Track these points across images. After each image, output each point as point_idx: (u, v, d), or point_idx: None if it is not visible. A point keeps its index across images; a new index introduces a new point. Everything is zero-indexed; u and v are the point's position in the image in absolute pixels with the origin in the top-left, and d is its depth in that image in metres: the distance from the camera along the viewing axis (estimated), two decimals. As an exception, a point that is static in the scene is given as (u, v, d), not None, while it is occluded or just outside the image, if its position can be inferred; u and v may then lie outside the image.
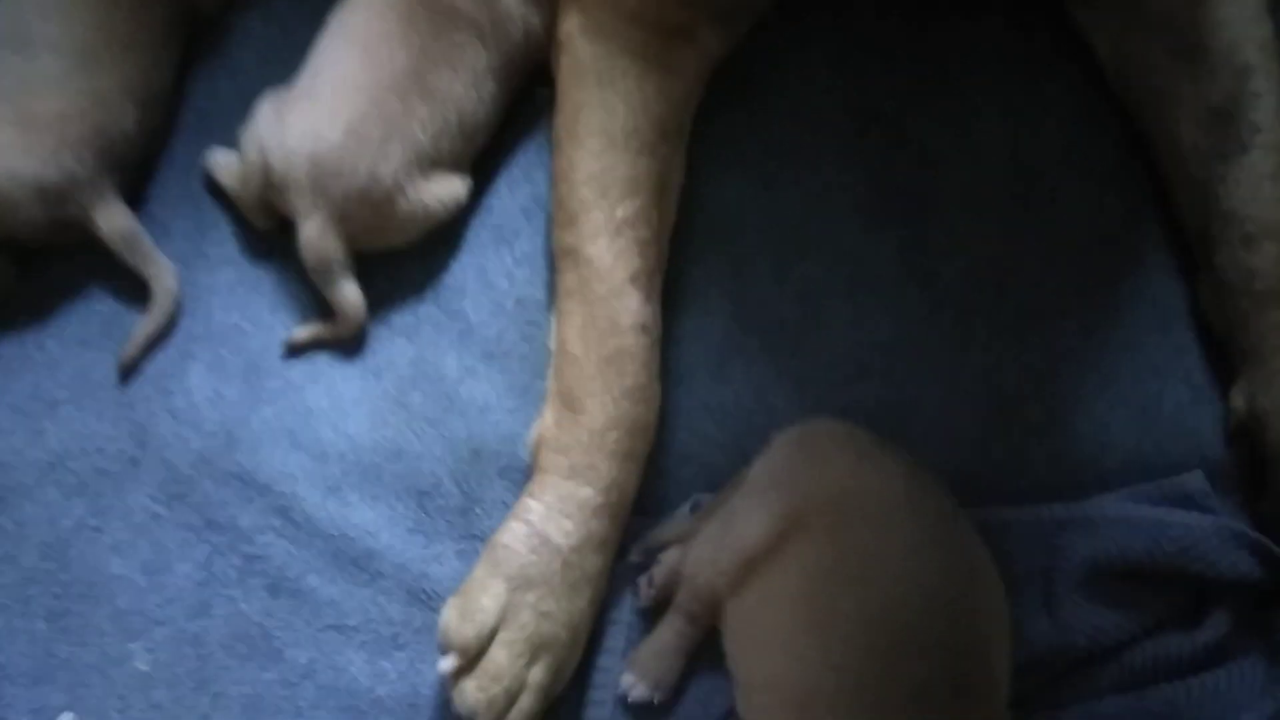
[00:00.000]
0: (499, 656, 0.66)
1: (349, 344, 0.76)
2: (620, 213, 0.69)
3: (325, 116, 0.71)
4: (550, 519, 0.66)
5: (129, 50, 0.75)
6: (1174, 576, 0.67)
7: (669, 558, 0.70)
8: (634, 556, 0.71)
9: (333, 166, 0.71)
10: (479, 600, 0.66)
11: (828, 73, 0.83)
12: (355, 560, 0.73)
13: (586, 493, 0.67)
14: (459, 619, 0.66)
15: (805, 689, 0.61)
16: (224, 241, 0.78)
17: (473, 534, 0.73)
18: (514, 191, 0.79)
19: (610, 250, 0.69)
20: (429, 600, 0.72)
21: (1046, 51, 0.83)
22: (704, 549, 0.67)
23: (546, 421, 0.70)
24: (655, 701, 0.68)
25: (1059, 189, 0.81)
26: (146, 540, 0.73)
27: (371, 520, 0.74)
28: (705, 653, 0.69)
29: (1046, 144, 0.82)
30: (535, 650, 0.66)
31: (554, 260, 0.73)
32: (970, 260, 0.80)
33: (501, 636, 0.66)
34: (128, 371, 0.75)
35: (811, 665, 0.60)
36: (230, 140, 0.78)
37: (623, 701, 0.68)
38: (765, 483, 0.65)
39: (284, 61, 0.79)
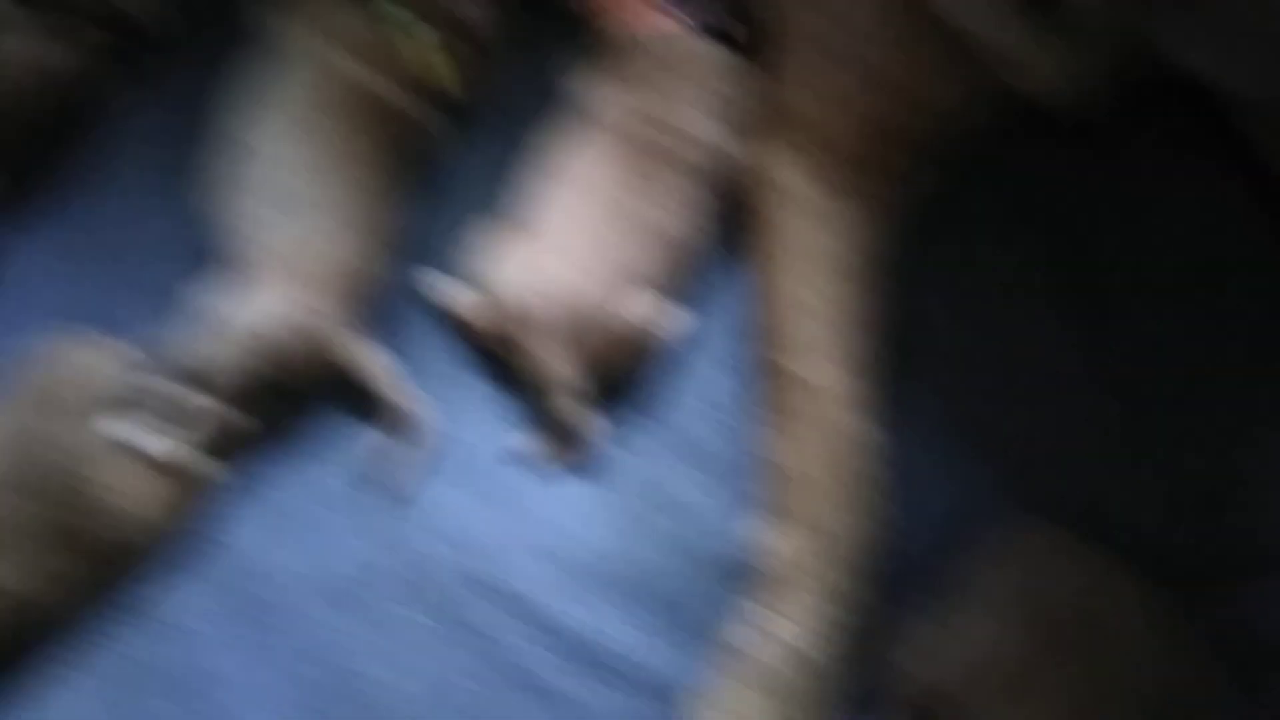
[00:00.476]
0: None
1: (582, 461, 0.83)
2: (846, 344, 0.75)
3: (556, 255, 0.79)
4: (804, 636, 0.73)
5: (376, 200, 0.83)
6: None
7: (904, 663, 0.76)
8: (868, 661, 0.77)
9: (565, 301, 0.78)
10: (742, 713, 0.72)
11: (1005, 183, 0.89)
12: (605, 663, 0.79)
13: (834, 609, 0.73)
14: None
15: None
16: (455, 363, 0.85)
17: (706, 637, 0.79)
18: (725, 314, 0.86)
19: (838, 379, 0.75)
20: (671, 699, 0.78)
21: (1215, 154, 0.88)
22: (944, 656, 0.73)
23: (781, 537, 0.76)
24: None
25: (1235, 284, 0.86)
26: (414, 649, 0.80)
27: (615, 625, 0.80)
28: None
29: (1221, 242, 0.87)
30: None
31: (770, 381, 0.80)
32: (1155, 357, 0.85)
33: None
34: (392, 494, 0.82)
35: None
36: (441, 263, 0.86)
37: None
38: (1004, 596, 0.71)
39: (486, 186, 0.88)
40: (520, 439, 0.83)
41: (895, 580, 0.78)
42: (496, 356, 0.85)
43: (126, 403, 0.77)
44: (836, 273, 0.77)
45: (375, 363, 0.81)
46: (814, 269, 0.77)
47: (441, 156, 0.90)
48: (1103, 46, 0.71)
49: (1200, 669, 0.70)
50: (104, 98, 0.91)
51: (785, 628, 0.73)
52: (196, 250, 0.88)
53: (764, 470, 0.80)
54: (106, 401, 0.76)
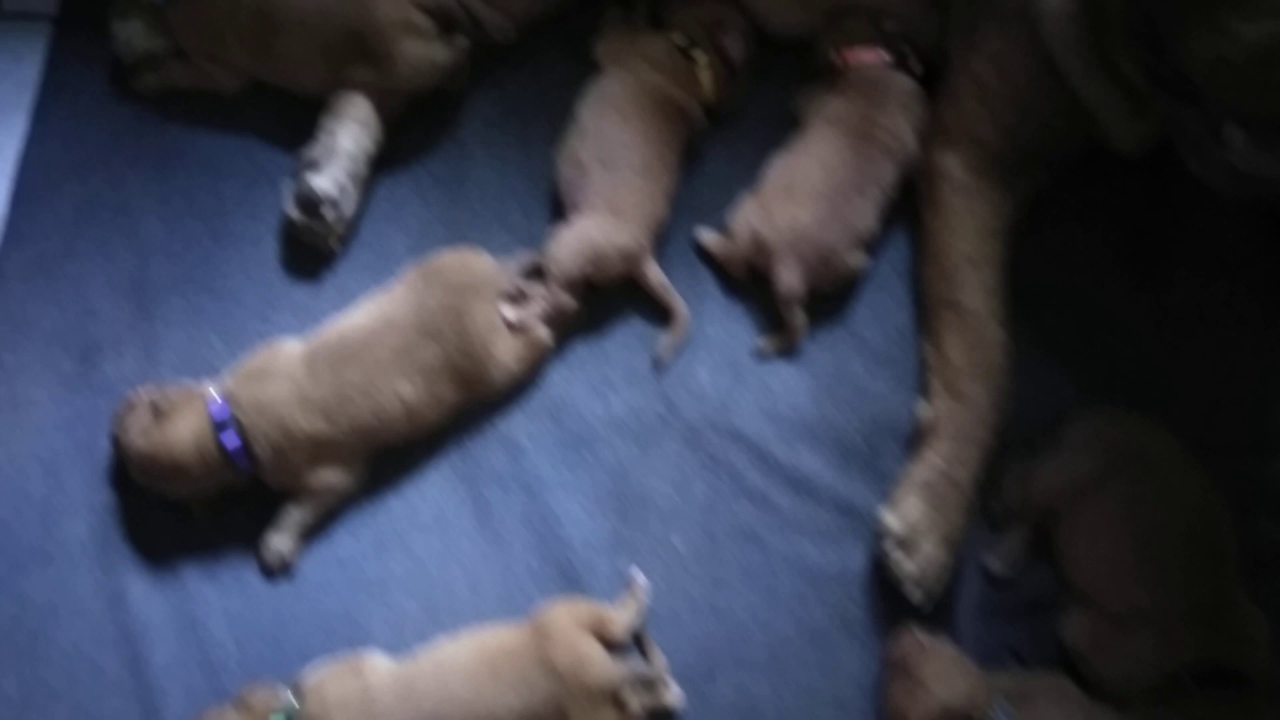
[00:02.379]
0: (925, 546, 1.09)
1: (792, 351, 1.20)
2: (988, 278, 1.13)
3: (803, 209, 1.17)
4: (953, 467, 1.10)
5: (667, 166, 1.21)
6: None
7: (1012, 490, 1.12)
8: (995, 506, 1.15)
9: (807, 239, 1.17)
10: (912, 514, 1.09)
11: (1093, 180, 1.26)
12: (803, 486, 1.17)
13: (974, 451, 1.11)
14: (899, 523, 1.09)
15: (1115, 559, 1.03)
16: (710, 282, 1.24)
17: (879, 473, 1.17)
18: (890, 257, 1.25)
19: (983, 302, 1.13)
20: (854, 514, 1.16)
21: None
22: (1044, 480, 1.09)
23: (938, 408, 1.13)
24: (1007, 575, 1.11)
25: (1253, 252, 1.24)
26: (675, 469, 1.18)
27: (812, 462, 1.18)
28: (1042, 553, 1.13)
29: (1238, 227, 1.25)
30: (943, 543, 1.10)
31: (929, 304, 1.18)
32: (1198, 304, 1.22)
33: (926, 535, 1.09)
34: (659, 365, 1.20)
35: (1121, 548, 1.04)
36: (706, 219, 1.24)
37: (986, 575, 1.11)
38: (1088, 439, 1.09)
39: (740, 170, 1.26)
40: (757, 338, 1.21)
41: (1012, 435, 1.16)
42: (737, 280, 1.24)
43: (512, 294, 1.15)
44: (985, 233, 1.15)
45: (658, 276, 1.19)
46: (974, 232, 1.15)
47: (701, 146, 1.29)
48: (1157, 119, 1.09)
49: (1220, 504, 1.07)
50: (458, 86, 1.30)
51: (936, 463, 1.11)
52: (518, 196, 1.28)
53: (925, 363, 1.17)
54: (502, 292, 1.15)
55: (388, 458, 1.17)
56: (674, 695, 1.11)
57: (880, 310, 1.24)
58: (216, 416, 1.10)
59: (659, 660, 1.11)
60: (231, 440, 1.09)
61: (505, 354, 1.16)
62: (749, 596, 1.15)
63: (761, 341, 1.21)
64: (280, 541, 1.13)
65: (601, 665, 1.07)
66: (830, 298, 1.23)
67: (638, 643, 1.12)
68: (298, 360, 1.13)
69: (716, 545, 1.16)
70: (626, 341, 1.22)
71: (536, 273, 1.20)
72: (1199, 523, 1.05)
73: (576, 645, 1.07)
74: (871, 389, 1.20)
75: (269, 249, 1.26)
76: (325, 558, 1.16)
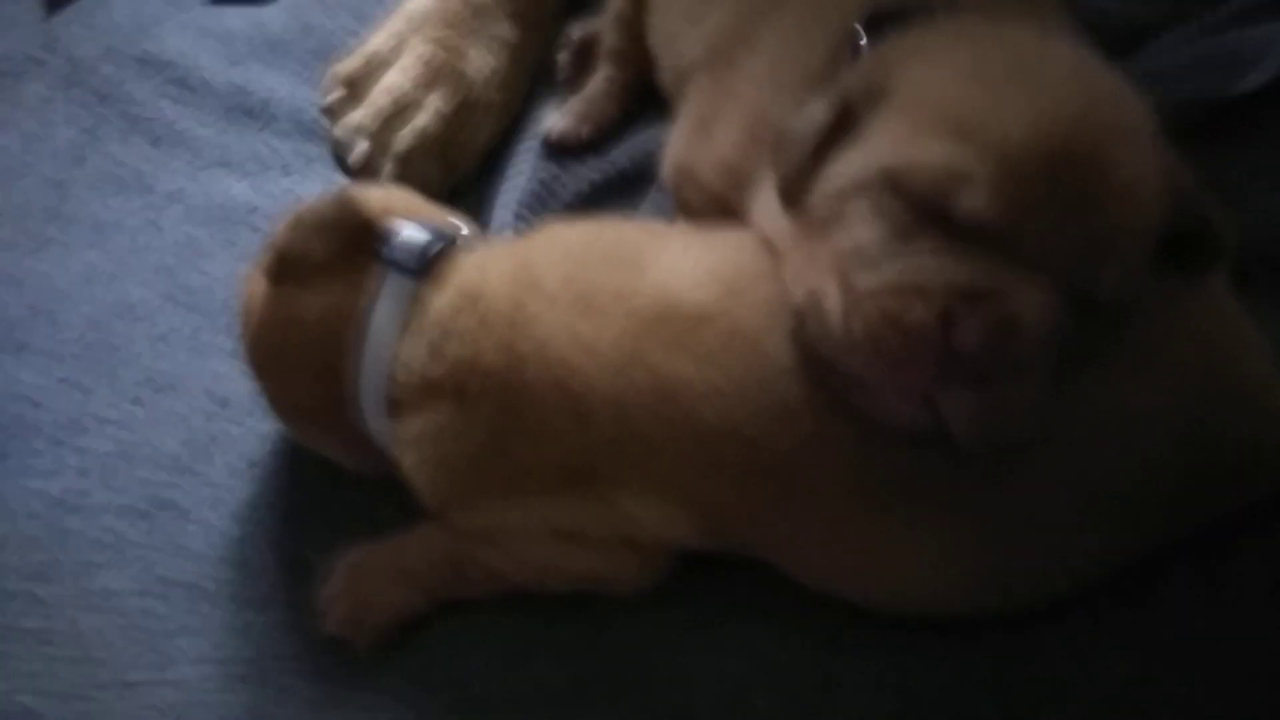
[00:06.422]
0: (391, 76, 0.58)
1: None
2: None
3: None
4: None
5: None
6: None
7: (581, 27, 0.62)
8: (558, 54, 0.63)
9: None
10: (372, 40, 0.60)
11: None
12: (249, 110, 0.65)
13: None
14: (352, 60, 0.59)
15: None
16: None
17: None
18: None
19: None
20: (323, 134, 0.63)
21: None
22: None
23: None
24: (582, 137, 0.57)
25: None
26: (33, 119, 0.66)
27: (271, 80, 0.67)
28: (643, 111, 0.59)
29: None
30: (434, 76, 0.58)
31: None
32: None
33: (395, 64, 0.58)
34: (50, 5, 0.73)
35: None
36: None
37: (546, 144, 0.57)
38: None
39: None
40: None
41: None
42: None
43: None
44: None
45: None
46: None
47: None
48: None
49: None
50: None
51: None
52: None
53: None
54: None
55: None
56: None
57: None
58: None
59: None
60: None
61: None
62: (119, 249, 0.60)
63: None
64: None
65: None
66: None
67: None
68: None
69: (66, 199, 0.62)
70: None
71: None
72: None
73: None
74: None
75: None
76: None
